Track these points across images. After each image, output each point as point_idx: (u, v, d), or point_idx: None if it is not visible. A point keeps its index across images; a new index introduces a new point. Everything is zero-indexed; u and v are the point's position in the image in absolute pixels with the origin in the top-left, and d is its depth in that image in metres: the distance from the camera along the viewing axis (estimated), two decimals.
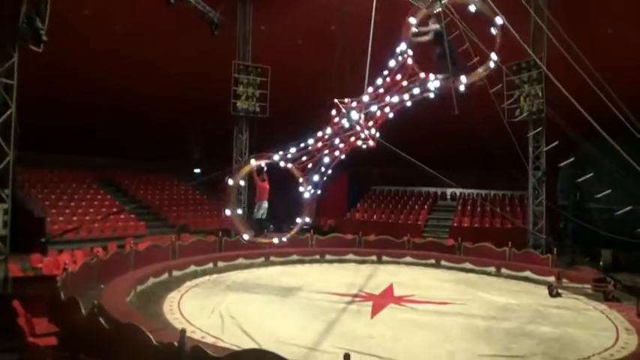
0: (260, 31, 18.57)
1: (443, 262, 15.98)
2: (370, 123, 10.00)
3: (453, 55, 8.84)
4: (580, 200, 15.78)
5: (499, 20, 8.43)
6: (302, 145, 10.45)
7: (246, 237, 11.05)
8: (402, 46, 9.34)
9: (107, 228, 17.53)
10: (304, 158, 10.45)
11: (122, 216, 18.79)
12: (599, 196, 9.42)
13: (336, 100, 10.13)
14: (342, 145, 10.42)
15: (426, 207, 23.30)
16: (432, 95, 9.64)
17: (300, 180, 10.48)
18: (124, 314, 8.12)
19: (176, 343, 5.56)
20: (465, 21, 9.28)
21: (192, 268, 13.91)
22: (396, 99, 9.69)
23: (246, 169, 11.30)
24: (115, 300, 9.28)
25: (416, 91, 9.60)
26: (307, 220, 10.95)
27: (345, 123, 10.18)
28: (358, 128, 9.98)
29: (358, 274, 14.21)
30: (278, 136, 15.13)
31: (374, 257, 16.66)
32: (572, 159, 10.56)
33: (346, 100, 10.11)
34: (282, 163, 10.53)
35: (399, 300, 11.26)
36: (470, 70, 9.09)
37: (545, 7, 11.72)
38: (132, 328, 5.98)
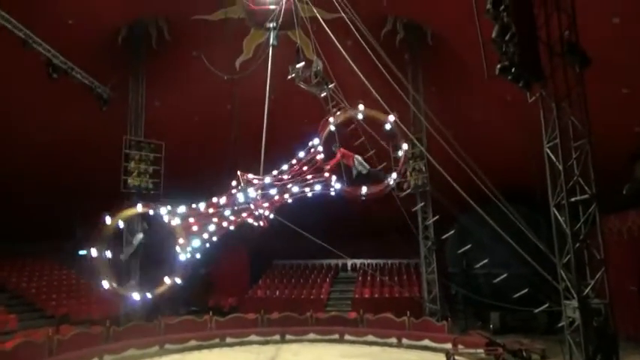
0: (154, 107, 18.28)
1: (347, 337, 15.85)
2: (266, 204, 10.01)
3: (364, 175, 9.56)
4: (467, 267, 16.89)
5: (405, 146, 9.30)
6: (193, 206, 10.13)
7: (106, 285, 10.22)
8: (316, 141, 9.73)
9: None
10: (192, 220, 10.09)
11: None
12: (478, 265, 10.22)
13: (239, 172, 10.10)
14: (232, 218, 10.25)
15: (327, 280, 23.33)
16: (332, 193, 10.05)
17: (181, 240, 10.07)
18: None
19: None
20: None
21: None
22: (296, 189, 9.91)
23: (128, 213, 10.67)
24: None
25: (318, 187, 9.94)
26: (178, 281, 10.45)
27: (241, 197, 10.13)
28: (252, 206, 9.94)
29: (260, 357, 13.56)
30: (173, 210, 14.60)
31: (277, 336, 16.07)
32: (453, 231, 11.45)
33: (250, 175, 10.12)
34: (166, 218, 10.09)
35: None
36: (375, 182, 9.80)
37: (420, 95, 13.04)
38: None
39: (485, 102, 15.25)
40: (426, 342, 14.56)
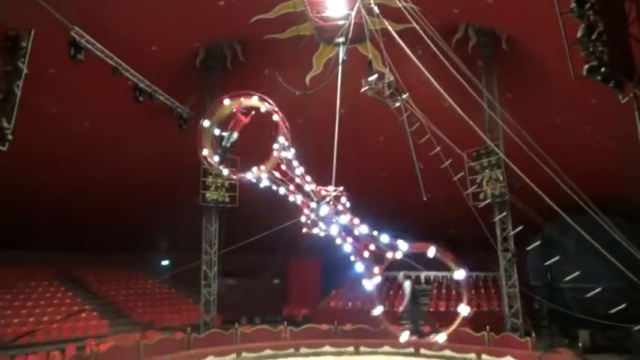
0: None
1: (422, 351, 15.42)
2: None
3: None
4: (551, 281, 15.88)
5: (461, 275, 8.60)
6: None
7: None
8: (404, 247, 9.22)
9: (66, 329, 16.34)
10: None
11: (83, 315, 17.69)
12: (567, 279, 9.55)
13: (318, 188, 10.03)
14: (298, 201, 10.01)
15: (401, 293, 22.92)
16: None
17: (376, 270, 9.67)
18: None
19: None
20: None
21: None
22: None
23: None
24: None
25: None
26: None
27: (314, 204, 10.08)
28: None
29: None
30: (247, 224, 15.11)
31: (351, 348, 15.98)
32: (539, 242, 10.80)
33: (329, 188, 9.99)
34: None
35: None
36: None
37: (495, 100, 12.60)
38: None
39: (567, 106, 14.43)
40: (508, 358, 13.80)
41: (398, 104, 9.79)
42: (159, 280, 23.29)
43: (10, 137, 9.72)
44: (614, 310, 7.96)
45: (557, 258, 9.66)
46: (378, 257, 9.40)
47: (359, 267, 9.44)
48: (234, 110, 9.79)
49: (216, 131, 9.70)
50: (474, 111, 11.35)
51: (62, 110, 15.69)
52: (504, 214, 15.23)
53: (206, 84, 18.60)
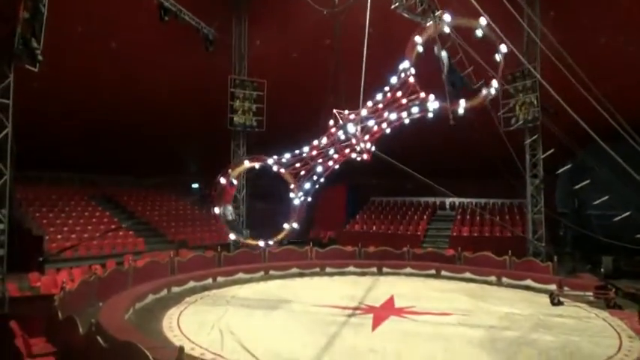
0: (255, 46, 18.70)
1: (443, 273, 15.90)
2: (366, 137, 10.01)
3: (455, 79, 8.96)
4: (579, 207, 15.74)
5: (503, 48, 8.52)
6: (297, 152, 10.48)
7: (232, 237, 11.07)
8: (405, 64, 9.38)
9: (106, 245, 17.45)
10: (298, 165, 10.46)
11: (121, 233, 18.73)
12: (596, 202, 9.41)
13: (335, 111, 10.15)
14: (336, 156, 10.44)
15: (425, 217, 23.26)
16: (430, 115, 9.69)
17: (292, 186, 10.52)
18: (122, 332, 8.04)
19: None
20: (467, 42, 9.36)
21: (192, 283, 13.83)
22: (394, 116, 9.71)
23: (239, 169, 11.33)
24: (113, 318, 9.20)
25: (415, 110, 9.63)
26: (295, 225, 10.93)
27: (342, 134, 10.23)
28: (354, 141, 10.00)
29: (358, 287, 14.12)
30: (275, 148, 15.22)
31: (374, 269, 16.59)
32: (570, 166, 10.54)
33: (345, 111, 10.15)
34: (275, 168, 10.58)
35: (400, 312, 11.18)
36: (472, 94, 9.21)
37: (537, 18, 11.82)
38: (130, 346, 5.92)
39: (615, 24, 13.43)
40: (528, 282, 14.13)
41: (431, 22, 9.29)
42: (190, 201, 24.13)
43: (40, 57, 9.81)
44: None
45: (587, 182, 9.45)
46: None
47: None
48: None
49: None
50: (512, 30, 10.72)
51: (88, 30, 15.60)
52: (535, 136, 14.83)
53: (233, 5, 18.09)
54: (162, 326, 9.82)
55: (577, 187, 10.51)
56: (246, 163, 11.18)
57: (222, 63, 18.21)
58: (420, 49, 9.37)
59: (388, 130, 10.19)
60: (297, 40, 18.27)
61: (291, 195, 10.68)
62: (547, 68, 10.57)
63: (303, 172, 10.60)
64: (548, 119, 12.76)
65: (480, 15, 9.10)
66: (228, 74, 18.32)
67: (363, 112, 9.90)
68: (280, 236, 11.24)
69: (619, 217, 8.34)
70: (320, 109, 11.29)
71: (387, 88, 9.75)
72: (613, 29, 13.72)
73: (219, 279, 14.76)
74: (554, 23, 14.69)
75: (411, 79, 9.40)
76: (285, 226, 11.04)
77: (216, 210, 11.11)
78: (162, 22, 13.92)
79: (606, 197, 8.96)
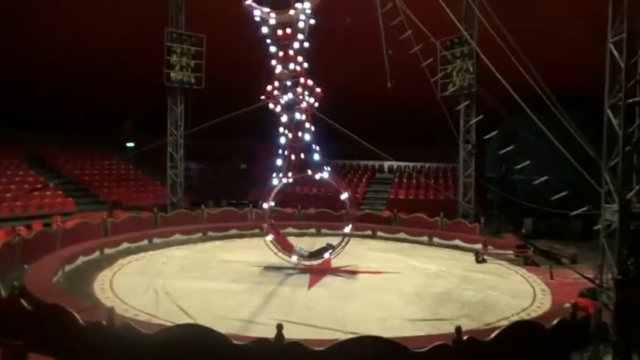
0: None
1: (379, 233, 16.46)
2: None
3: None
4: (505, 172, 16.72)
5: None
6: None
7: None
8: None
9: (32, 206, 16.43)
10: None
11: (48, 192, 17.68)
12: (518, 167, 10.06)
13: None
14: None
15: (364, 180, 23.76)
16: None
17: None
18: (49, 295, 7.75)
19: (104, 322, 5.39)
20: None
21: (126, 245, 13.48)
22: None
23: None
24: (39, 280, 8.83)
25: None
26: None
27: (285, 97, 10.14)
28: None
29: (299, 244, 14.30)
30: (213, 107, 14.78)
31: (313, 230, 16.86)
32: (497, 132, 11.11)
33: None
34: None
35: (337, 270, 11.53)
36: None
37: None
38: (56, 308, 5.73)
39: None
40: (457, 242, 14.98)
41: None
42: (125, 161, 23.12)
43: None
44: (555, 198, 8.56)
45: (510, 147, 10.03)
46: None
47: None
48: None
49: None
50: None
51: None
52: (468, 102, 15.39)
53: None
54: (93, 289, 9.58)
55: (501, 152, 11.12)
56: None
57: (160, 14, 17.15)
58: None
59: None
60: None
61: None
62: (484, 36, 10.84)
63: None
64: (481, 86, 13.24)
65: None
66: (165, 27, 17.31)
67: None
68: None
69: (538, 181, 8.96)
70: (260, 71, 11.03)
71: None
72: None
73: (156, 240, 14.46)
74: None
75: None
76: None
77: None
78: None
79: (527, 162, 9.58)
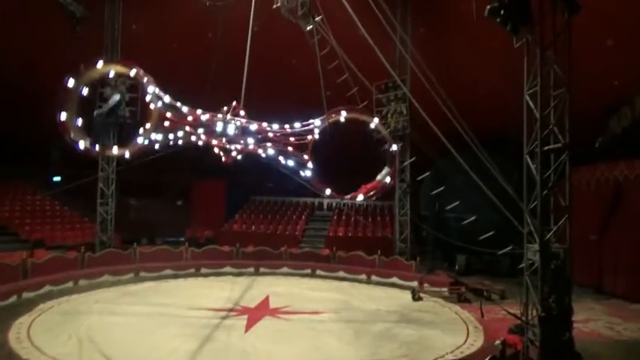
0: (131, 31, 17.46)
1: (318, 272, 16.41)
2: (238, 146, 9.84)
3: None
4: (438, 210, 17.38)
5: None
6: (178, 104, 9.77)
7: (82, 145, 9.63)
8: (317, 122, 9.86)
9: None
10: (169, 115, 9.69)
11: None
12: (449, 207, 10.57)
13: (234, 103, 9.82)
14: (203, 137, 10.00)
15: (303, 217, 23.78)
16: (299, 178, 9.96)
17: (149, 124, 9.60)
18: None
19: None
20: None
21: (48, 288, 12.55)
22: (272, 152, 9.77)
23: (94, 73, 9.95)
24: None
25: (290, 163, 9.81)
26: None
27: (220, 126, 9.95)
28: (224, 140, 9.78)
29: (235, 288, 13.99)
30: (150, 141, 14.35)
31: (251, 269, 16.53)
32: (428, 173, 11.64)
33: (242, 112, 9.88)
34: (148, 98, 9.55)
35: (275, 312, 11.31)
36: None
37: (407, 35, 12.77)
38: None
39: (473, 47, 15.02)
40: (394, 279, 15.22)
41: (310, 27, 9.53)
42: (50, 196, 21.75)
43: None
44: (484, 237, 9.01)
45: (442, 188, 10.53)
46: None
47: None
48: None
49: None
50: (387, 43, 11.42)
51: None
52: (402, 144, 16.01)
53: None
54: (8, 338, 8.76)
55: (434, 192, 11.67)
56: (119, 68, 9.93)
57: (93, 46, 16.68)
58: (342, 119, 9.69)
59: (263, 155, 10.14)
60: (179, 29, 17.45)
61: (141, 131, 9.62)
62: (416, 81, 11.44)
63: (167, 124, 9.68)
64: (415, 128, 13.87)
65: (356, 25, 9.56)
66: (98, 57, 16.80)
67: (253, 127, 9.76)
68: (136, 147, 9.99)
69: (466, 222, 9.42)
70: (200, 104, 10.92)
71: (287, 126, 9.79)
72: (470, 50, 15.36)
73: (82, 282, 13.60)
74: (425, 39, 16.01)
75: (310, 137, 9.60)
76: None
77: (62, 116, 9.32)
78: None
79: (457, 202, 10.08)
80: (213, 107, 10.05)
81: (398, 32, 11.24)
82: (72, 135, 8.96)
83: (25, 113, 18.16)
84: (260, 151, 9.98)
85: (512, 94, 8.11)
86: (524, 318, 7.66)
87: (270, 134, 9.84)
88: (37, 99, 17.74)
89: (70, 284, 13.21)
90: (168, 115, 9.41)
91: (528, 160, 7.65)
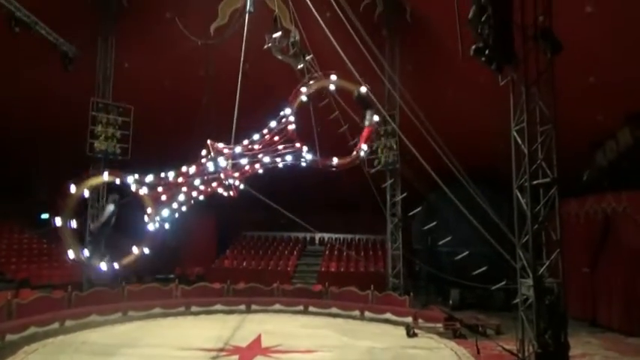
0: (123, 69, 17.69)
1: (311, 309, 16.13)
2: (236, 174, 9.89)
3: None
4: (431, 245, 17.34)
5: (363, 89, 9.12)
6: (162, 175, 9.83)
7: (72, 255, 9.51)
8: (287, 111, 9.49)
9: None
10: (160, 189, 9.77)
11: None
12: (441, 242, 10.57)
13: (209, 141, 9.88)
14: (202, 187, 10.06)
15: (295, 252, 23.56)
16: (303, 164, 9.92)
17: (149, 209, 9.73)
18: None
19: None
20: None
21: (33, 329, 12.14)
22: (267, 159, 9.74)
23: (94, 181, 10.15)
24: None
25: (289, 158, 9.77)
26: (146, 251, 10.08)
27: (211, 167, 9.97)
28: (222, 175, 9.81)
29: (226, 326, 13.68)
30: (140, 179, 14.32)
31: (243, 306, 16.22)
32: (420, 208, 11.69)
33: (220, 144, 9.94)
34: (134, 187, 9.69)
35: (266, 351, 11.04)
36: None
37: (395, 73, 13.07)
38: None
39: (460, 83, 15.38)
40: (388, 315, 14.96)
41: (301, 65, 9.73)
42: (37, 234, 21.38)
43: None
44: (477, 272, 8.99)
45: (434, 223, 10.55)
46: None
47: None
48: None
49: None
50: (376, 80, 11.66)
51: None
52: (393, 180, 16.10)
53: (99, 22, 16.99)
54: None
55: (426, 228, 11.69)
56: (105, 176, 10.10)
57: (84, 84, 16.84)
58: (304, 98, 9.62)
59: (261, 171, 10.14)
60: (170, 67, 17.73)
61: (146, 219, 9.80)
62: (406, 117, 11.64)
63: (164, 198, 9.86)
64: (404, 164, 13.99)
65: (347, 64, 9.77)
66: (90, 96, 16.97)
67: (238, 149, 9.81)
68: (128, 259, 10.10)
69: (459, 257, 9.41)
70: (190, 141, 10.97)
71: (265, 131, 9.80)
72: (457, 87, 15.73)
73: (69, 323, 13.20)
74: (412, 75, 16.38)
75: (291, 127, 9.52)
76: (134, 249, 10.01)
77: (58, 221, 9.40)
78: (14, 36, 12.50)
79: (449, 238, 10.09)
80: (203, 144, 10.08)
81: (386, 70, 11.48)
82: (65, 241, 9.03)
83: (12, 150, 18.08)
84: (257, 166, 9.96)
85: (500, 129, 8.26)
86: (520, 355, 7.55)
87: (256, 146, 9.83)
88: (26, 137, 17.83)
89: (55, 325, 12.83)
90: (160, 190, 9.39)
91: (518, 194, 7.73)
